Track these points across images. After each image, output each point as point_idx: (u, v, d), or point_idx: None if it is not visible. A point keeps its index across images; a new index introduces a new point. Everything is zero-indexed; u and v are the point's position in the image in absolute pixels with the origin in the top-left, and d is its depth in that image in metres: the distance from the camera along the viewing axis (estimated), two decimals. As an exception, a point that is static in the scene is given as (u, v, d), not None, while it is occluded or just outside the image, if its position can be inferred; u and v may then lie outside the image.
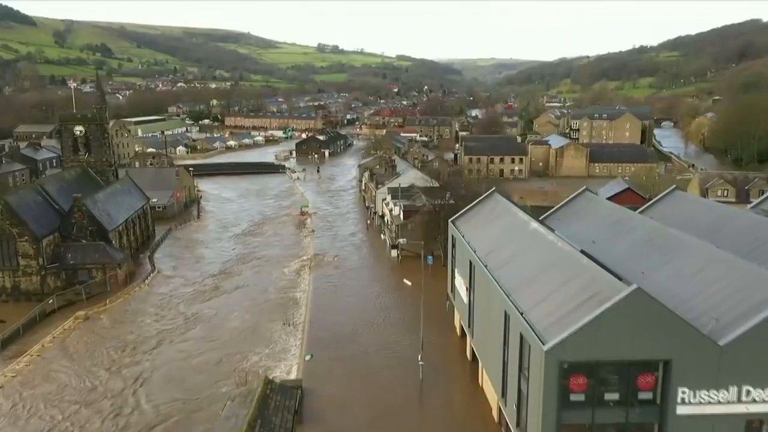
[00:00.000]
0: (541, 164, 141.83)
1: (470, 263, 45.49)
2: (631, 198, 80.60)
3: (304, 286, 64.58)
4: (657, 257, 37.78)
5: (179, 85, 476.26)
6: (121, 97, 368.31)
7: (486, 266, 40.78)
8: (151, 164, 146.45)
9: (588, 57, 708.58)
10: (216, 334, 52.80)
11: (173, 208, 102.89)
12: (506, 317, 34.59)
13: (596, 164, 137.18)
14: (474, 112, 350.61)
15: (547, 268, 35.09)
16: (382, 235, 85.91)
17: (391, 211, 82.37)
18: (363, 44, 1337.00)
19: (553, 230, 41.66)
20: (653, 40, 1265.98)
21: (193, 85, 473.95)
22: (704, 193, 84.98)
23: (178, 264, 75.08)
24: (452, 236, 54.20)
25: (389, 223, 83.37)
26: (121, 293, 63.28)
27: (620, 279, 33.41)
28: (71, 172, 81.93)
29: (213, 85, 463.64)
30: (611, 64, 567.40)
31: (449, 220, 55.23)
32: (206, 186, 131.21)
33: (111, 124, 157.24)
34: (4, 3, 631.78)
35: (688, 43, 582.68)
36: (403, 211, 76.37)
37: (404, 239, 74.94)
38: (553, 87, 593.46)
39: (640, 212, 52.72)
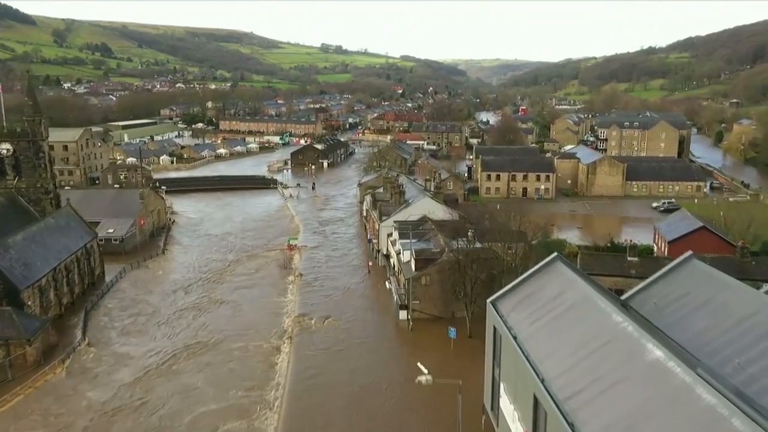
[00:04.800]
0: (569, 181, 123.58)
1: (535, 399, 27.74)
2: (709, 242, 62.16)
3: (274, 396, 44.60)
4: None
5: (178, 85, 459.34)
6: (114, 98, 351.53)
7: (572, 426, 23.01)
8: (124, 178, 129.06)
9: (595, 58, 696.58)
10: None
11: (134, 240, 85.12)
12: None
13: (634, 182, 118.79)
14: (483, 116, 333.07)
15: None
16: (387, 283, 67.98)
17: (398, 254, 64.56)
18: (366, 44, 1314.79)
19: (694, 366, 23.49)
20: (661, 41, 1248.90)
21: (192, 85, 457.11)
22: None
23: (106, 339, 55.20)
24: (494, 327, 36.48)
25: (396, 270, 65.53)
26: (25, 386, 45.51)
27: None
28: (-8, 203, 64.41)
29: (213, 86, 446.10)
30: (619, 65, 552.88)
31: (488, 302, 37.39)
32: (184, 205, 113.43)
33: (80, 132, 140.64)
34: (3, 2, 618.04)
35: (699, 45, 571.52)
36: (415, 260, 58.55)
37: (417, 300, 57.47)
38: (561, 89, 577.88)
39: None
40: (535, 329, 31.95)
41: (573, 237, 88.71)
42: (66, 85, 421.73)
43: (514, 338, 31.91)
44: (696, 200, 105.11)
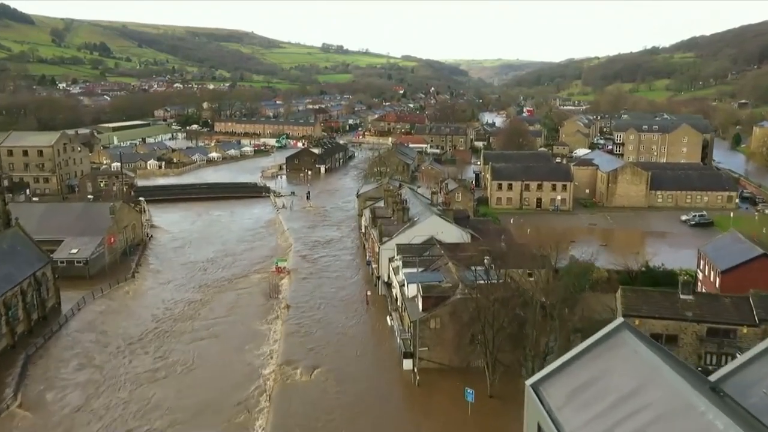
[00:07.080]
0: (587, 191, 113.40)
1: None
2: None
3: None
4: None
5: (175, 85, 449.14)
6: (108, 98, 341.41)
7: None
8: (105, 185, 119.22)
9: (597, 58, 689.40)
10: None
11: (102, 261, 75.05)
12: None
13: (658, 192, 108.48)
14: (487, 117, 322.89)
15: None
16: (388, 319, 57.93)
17: (402, 286, 54.54)
18: (368, 44, 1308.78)
19: None
20: (663, 41, 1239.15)
21: (190, 85, 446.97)
22: None
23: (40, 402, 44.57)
24: (538, 425, 26.55)
25: (400, 305, 55.50)
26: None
27: None
28: None
29: (211, 86, 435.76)
30: (623, 66, 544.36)
31: (528, 385, 27.47)
32: (165, 218, 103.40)
33: (57, 136, 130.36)
34: (2, 2, 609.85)
35: (703, 44, 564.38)
36: (423, 298, 48.50)
37: (425, 347, 47.45)
38: (564, 89, 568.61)
39: None
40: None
41: (598, 257, 78.60)
42: (61, 85, 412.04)
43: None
44: (732, 214, 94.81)
